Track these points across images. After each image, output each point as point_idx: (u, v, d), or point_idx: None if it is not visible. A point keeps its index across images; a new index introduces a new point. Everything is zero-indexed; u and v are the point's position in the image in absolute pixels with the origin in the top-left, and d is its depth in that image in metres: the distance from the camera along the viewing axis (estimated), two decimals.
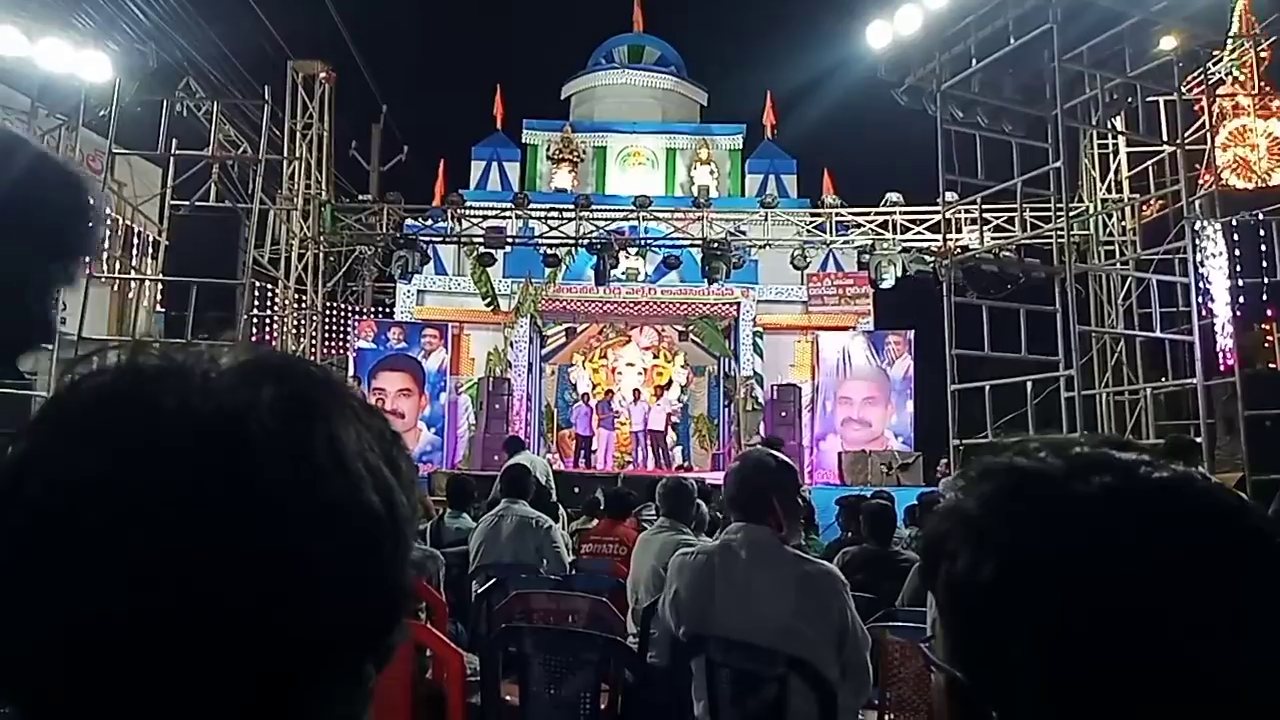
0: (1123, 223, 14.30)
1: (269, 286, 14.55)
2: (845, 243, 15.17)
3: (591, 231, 14.38)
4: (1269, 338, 11.72)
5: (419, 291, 15.75)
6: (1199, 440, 8.60)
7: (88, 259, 1.09)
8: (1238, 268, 10.46)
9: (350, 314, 16.35)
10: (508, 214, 15.02)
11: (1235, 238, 10.50)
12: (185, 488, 0.45)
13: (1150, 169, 13.30)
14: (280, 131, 14.29)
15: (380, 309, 17.34)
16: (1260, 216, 10.61)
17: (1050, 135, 9.62)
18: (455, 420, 15.23)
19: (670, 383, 16.77)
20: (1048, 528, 0.60)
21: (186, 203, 11.85)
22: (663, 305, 16.13)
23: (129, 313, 12.31)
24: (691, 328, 16.51)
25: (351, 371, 14.35)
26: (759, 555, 2.72)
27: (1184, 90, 10.68)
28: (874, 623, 3.19)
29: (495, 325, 15.70)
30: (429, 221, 15.40)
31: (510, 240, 14.67)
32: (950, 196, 11.12)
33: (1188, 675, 0.54)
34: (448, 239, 15.21)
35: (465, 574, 5.10)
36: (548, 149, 17.10)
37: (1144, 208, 13.75)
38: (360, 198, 17.11)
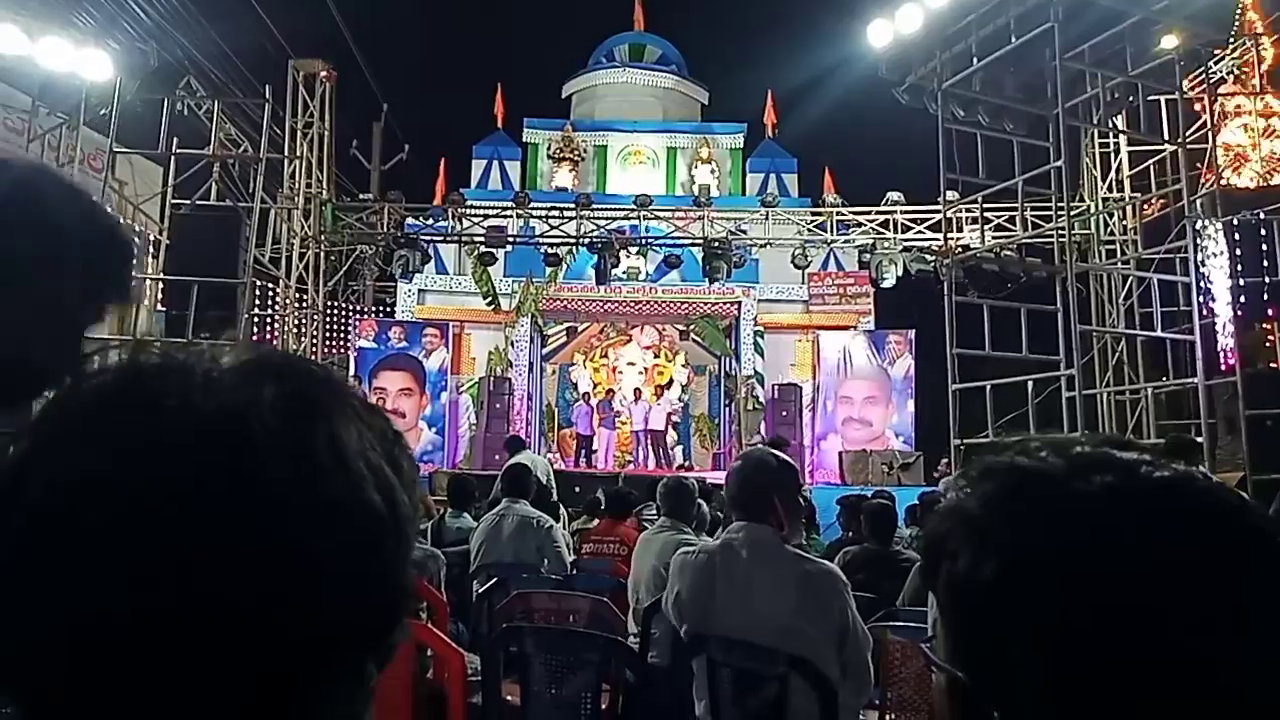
0: (1124, 222, 14.29)
1: (270, 286, 14.56)
2: (846, 242, 15.17)
3: (592, 231, 14.38)
4: (1270, 337, 11.73)
5: (420, 291, 15.75)
6: (1200, 440, 8.60)
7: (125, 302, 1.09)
8: (1239, 267, 10.46)
9: (351, 313, 16.35)
10: (508, 213, 15.03)
11: (1236, 237, 10.50)
12: (186, 486, 0.45)
13: (1151, 168, 13.29)
14: (281, 130, 14.28)
15: (381, 308, 17.34)
16: (1261, 215, 10.61)
17: (1051, 134, 9.62)
18: (456, 420, 15.23)
19: (671, 382, 16.77)
20: (1049, 527, 0.60)
21: (187, 202, 11.86)
22: (663, 304, 16.13)
23: (130, 312, 12.31)
24: (692, 327, 16.51)
25: (352, 371, 14.35)
26: (760, 554, 2.72)
27: (1185, 89, 10.67)
28: (875, 622, 3.19)
29: (496, 324, 15.71)
30: (430, 220, 15.40)
31: (511, 239, 14.68)
32: (951, 195, 11.12)
33: (1189, 674, 0.54)
34: (449, 238, 15.21)
35: (466, 574, 5.09)
36: (548, 148, 17.10)
37: (1145, 207, 13.74)
38: (361, 197, 17.10)
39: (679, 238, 14.63)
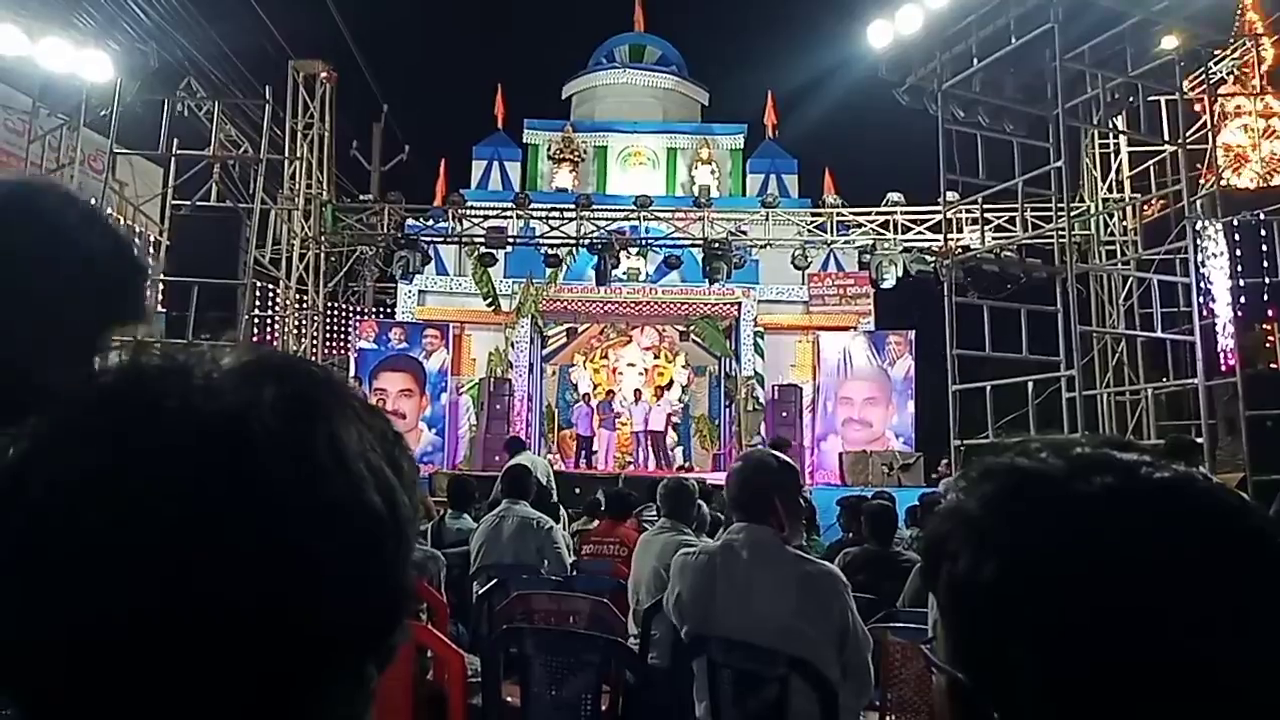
0: (1124, 222, 14.29)
1: (270, 287, 14.56)
2: (846, 242, 15.17)
3: (592, 231, 14.38)
4: (1270, 338, 11.74)
5: (420, 292, 15.75)
6: (1200, 440, 8.60)
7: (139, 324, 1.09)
8: (1239, 268, 10.47)
9: (351, 314, 16.35)
10: (509, 214, 15.02)
11: (1236, 238, 10.51)
12: (187, 487, 0.45)
13: (1151, 169, 13.30)
14: (281, 131, 14.29)
15: (381, 309, 17.35)
16: (1261, 216, 10.61)
17: (1051, 135, 9.62)
18: (456, 421, 15.23)
19: (671, 383, 16.77)
20: (1049, 528, 0.60)
21: (187, 203, 11.87)
22: (664, 305, 16.13)
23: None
24: (692, 328, 16.51)
25: (353, 372, 14.35)
26: (760, 555, 2.72)
27: (1185, 90, 10.67)
28: (875, 623, 3.19)
29: (496, 325, 15.71)
30: (430, 221, 15.40)
31: (511, 240, 14.68)
32: (951, 196, 11.12)
33: (1189, 674, 0.54)
34: (449, 239, 15.21)
35: (466, 575, 5.09)
36: (549, 149, 17.10)
37: (1145, 207, 13.75)
38: (361, 198, 17.11)
39: (679, 238, 14.63)
